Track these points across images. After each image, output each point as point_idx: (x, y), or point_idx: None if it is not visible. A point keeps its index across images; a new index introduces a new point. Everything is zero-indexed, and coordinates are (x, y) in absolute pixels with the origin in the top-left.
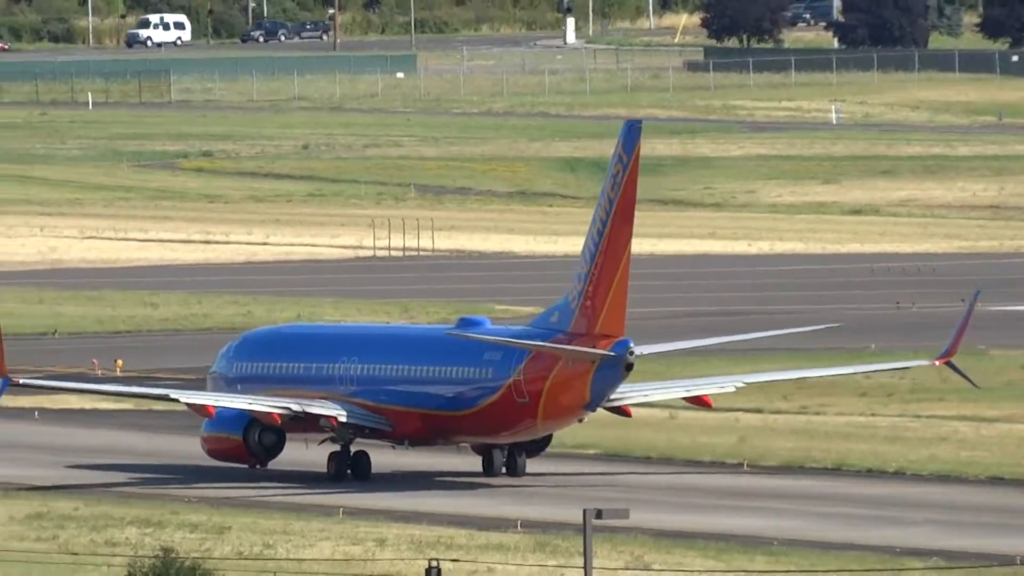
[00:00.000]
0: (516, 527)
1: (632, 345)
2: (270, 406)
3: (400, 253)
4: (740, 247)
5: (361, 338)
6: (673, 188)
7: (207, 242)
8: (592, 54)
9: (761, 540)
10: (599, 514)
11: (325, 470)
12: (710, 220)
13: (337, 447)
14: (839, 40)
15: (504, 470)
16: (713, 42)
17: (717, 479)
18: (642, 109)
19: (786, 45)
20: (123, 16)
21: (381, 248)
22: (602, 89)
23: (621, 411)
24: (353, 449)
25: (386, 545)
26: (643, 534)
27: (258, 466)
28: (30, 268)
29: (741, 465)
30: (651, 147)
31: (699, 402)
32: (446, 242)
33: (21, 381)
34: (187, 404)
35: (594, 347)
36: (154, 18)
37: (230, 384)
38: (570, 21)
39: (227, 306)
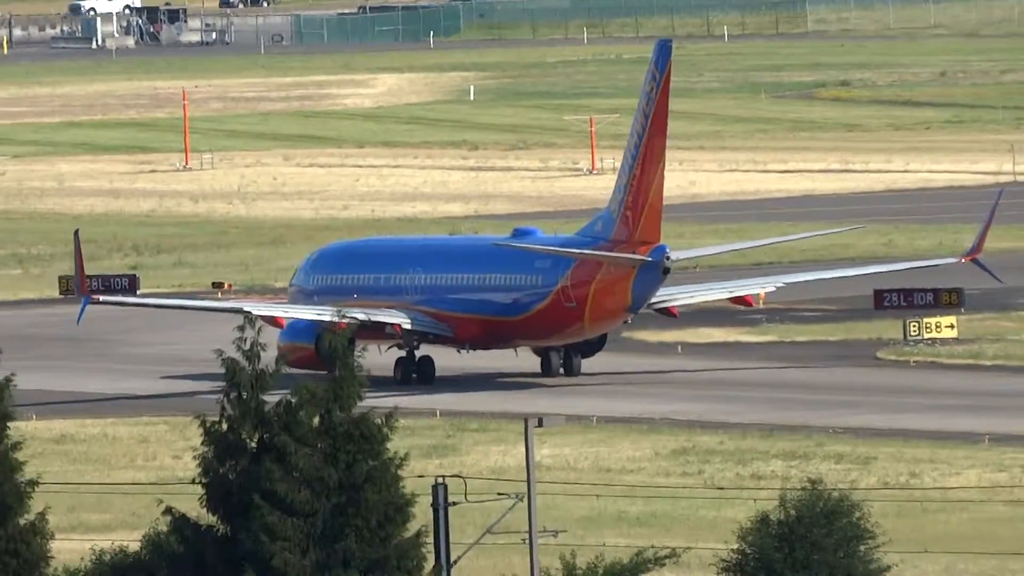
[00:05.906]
0: None
1: (668, 250)
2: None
3: None
4: None
5: (424, 250)
6: None
7: (846, 171)
8: None
9: None
10: None
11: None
12: None
13: (403, 353)
14: None
15: (561, 371)
16: None
17: None
18: None
19: None
20: None
21: (1021, 173)
22: None
23: (668, 312)
24: (418, 354)
25: None
26: None
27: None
28: (670, 203)
29: None
30: None
31: (741, 302)
32: None
33: (100, 299)
34: (259, 316)
35: (633, 253)
36: None
37: (307, 296)
38: None
39: (868, 235)
